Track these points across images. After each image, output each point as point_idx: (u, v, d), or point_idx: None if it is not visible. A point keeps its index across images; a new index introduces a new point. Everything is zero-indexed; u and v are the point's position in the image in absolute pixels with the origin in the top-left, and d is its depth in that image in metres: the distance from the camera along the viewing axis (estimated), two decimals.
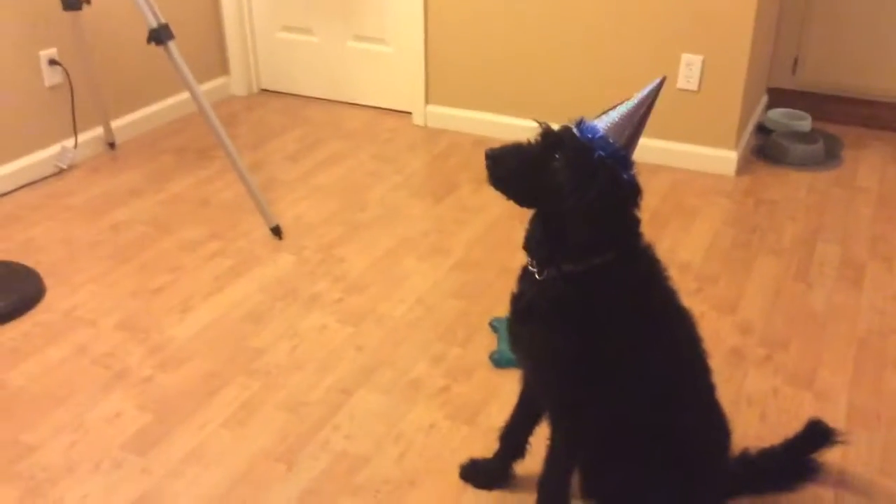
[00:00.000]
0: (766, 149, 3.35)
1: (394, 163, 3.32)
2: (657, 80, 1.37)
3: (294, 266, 2.61)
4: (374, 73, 3.77)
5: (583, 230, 1.39)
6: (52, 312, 2.36)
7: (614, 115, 1.37)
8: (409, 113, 3.72)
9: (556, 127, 1.42)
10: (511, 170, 1.41)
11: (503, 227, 2.80)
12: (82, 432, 1.93)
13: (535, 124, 1.44)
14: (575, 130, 1.40)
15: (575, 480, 1.62)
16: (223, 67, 3.94)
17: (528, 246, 1.51)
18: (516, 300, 1.56)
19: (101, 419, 1.97)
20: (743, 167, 3.23)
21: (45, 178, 3.12)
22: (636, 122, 1.36)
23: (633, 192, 1.39)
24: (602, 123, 1.38)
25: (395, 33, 3.62)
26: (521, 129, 3.18)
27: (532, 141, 1.42)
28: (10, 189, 3.02)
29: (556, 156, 1.38)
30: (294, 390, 2.07)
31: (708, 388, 1.61)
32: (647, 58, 3.14)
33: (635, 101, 1.36)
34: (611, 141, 1.36)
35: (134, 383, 2.09)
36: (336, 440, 1.91)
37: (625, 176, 1.38)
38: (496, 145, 1.41)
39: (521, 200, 1.44)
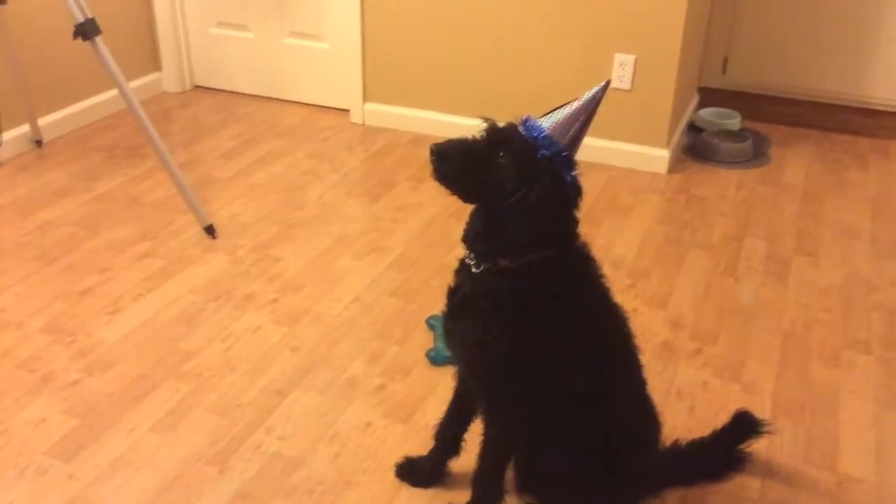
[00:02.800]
0: (696, 147, 3.42)
1: (331, 161, 3.30)
2: (602, 84, 1.39)
3: (228, 266, 2.57)
4: (311, 69, 3.73)
5: (523, 228, 1.40)
6: None
7: (559, 116, 1.38)
8: (347, 110, 3.69)
9: (501, 124, 1.43)
10: (455, 165, 1.41)
11: (440, 225, 2.80)
12: (6, 438, 1.87)
13: (480, 121, 1.44)
14: (520, 128, 1.41)
15: (509, 476, 1.63)
16: (155, 63, 3.86)
17: (467, 239, 1.51)
18: (452, 294, 1.56)
19: (25, 424, 1.91)
20: (674, 165, 3.29)
21: None
22: (580, 123, 1.38)
23: (574, 193, 1.41)
24: (547, 123, 1.39)
25: (332, 30, 3.59)
26: (458, 126, 3.21)
27: (477, 137, 1.42)
28: None
29: (501, 153, 1.39)
30: (227, 393, 2.04)
31: (638, 383, 1.64)
32: (581, 57, 3.18)
33: (580, 103, 1.38)
34: (555, 140, 1.37)
35: (60, 387, 2.03)
36: (270, 442, 1.89)
37: (567, 176, 1.40)
38: (435, 141, 1.41)
39: (464, 196, 1.45)
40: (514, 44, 3.26)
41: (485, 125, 1.43)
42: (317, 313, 2.36)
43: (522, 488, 1.65)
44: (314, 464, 1.83)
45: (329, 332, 2.28)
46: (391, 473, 1.80)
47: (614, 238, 2.77)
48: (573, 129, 1.40)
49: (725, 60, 3.69)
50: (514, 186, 1.38)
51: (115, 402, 1.99)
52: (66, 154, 3.25)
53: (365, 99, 3.61)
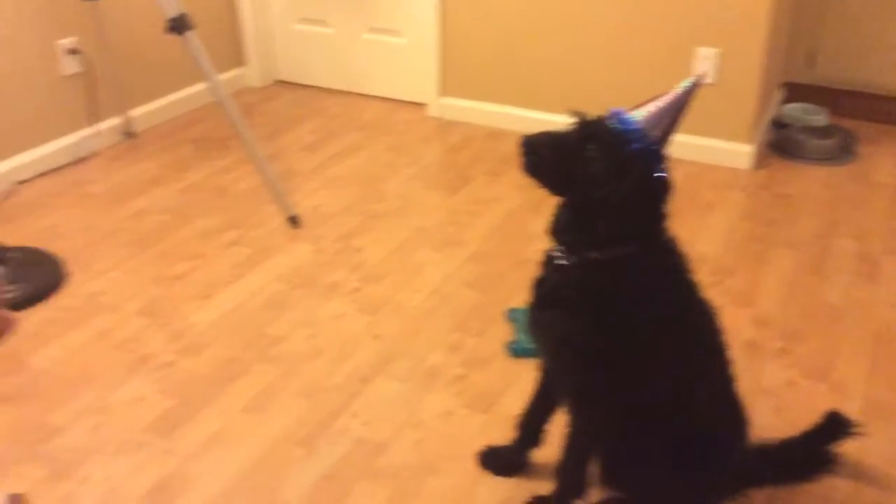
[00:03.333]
0: (781, 143, 3.35)
1: (409, 154, 3.34)
2: (694, 78, 1.38)
3: (312, 255, 2.63)
4: (389, 64, 3.78)
5: (612, 221, 1.41)
6: (75, 298, 2.40)
7: (650, 109, 1.38)
8: (424, 105, 3.73)
9: (590, 117, 1.43)
10: (545, 158, 1.42)
11: (517, 220, 2.81)
12: (106, 415, 1.96)
13: (568, 115, 1.44)
14: (610, 122, 1.41)
15: (594, 468, 1.64)
16: (239, 58, 3.96)
17: (555, 231, 1.52)
18: (538, 286, 1.58)
19: (124, 402, 2.00)
20: (759, 161, 3.23)
21: (66, 165, 3.16)
22: (671, 117, 1.38)
23: (664, 188, 1.41)
24: (638, 116, 1.39)
25: (410, 25, 3.63)
26: (535, 121, 3.21)
27: (567, 130, 1.43)
28: (30, 176, 3.05)
29: (592, 146, 1.39)
30: (312, 377, 2.10)
31: (726, 379, 1.62)
32: (663, 51, 3.15)
33: (672, 97, 1.37)
34: (646, 134, 1.37)
35: (156, 368, 2.12)
36: (354, 426, 1.93)
37: (658, 170, 1.40)
38: (512, 136, 1.42)
39: (554, 188, 1.45)
40: (594, 38, 3.25)
41: (574, 118, 1.44)
42: (397, 303, 2.40)
43: (606, 481, 1.66)
44: (397, 449, 1.87)
45: (409, 322, 2.31)
46: (473, 462, 1.82)
47: (697, 234, 2.73)
48: (664, 123, 1.39)
49: (812, 55, 3.60)
50: (604, 180, 1.38)
51: (208, 383, 2.07)
52: (156, 145, 3.37)
53: (442, 93, 3.65)
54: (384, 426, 1.93)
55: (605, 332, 1.47)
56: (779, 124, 3.48)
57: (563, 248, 1.50)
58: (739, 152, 3.18)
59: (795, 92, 3.65)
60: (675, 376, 1.52)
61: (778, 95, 3.63)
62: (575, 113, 1.44)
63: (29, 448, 1.86)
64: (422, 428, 1.93)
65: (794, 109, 3.52)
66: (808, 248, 2.66)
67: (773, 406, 1.99)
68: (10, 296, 2.34)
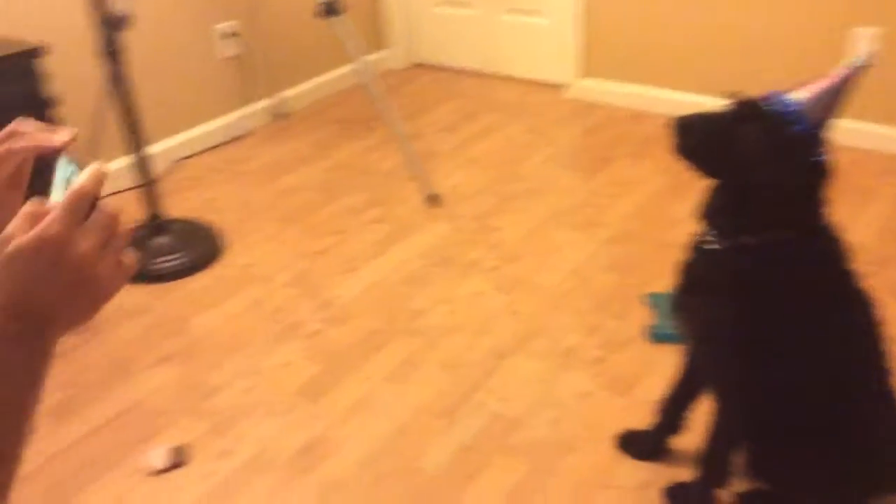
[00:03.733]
0: None
1: (547, 135, 3.34)
2: (860, 58, 1.32)
3: (450, 233, 2.69)
4: (529, 45, 3.78)
5: (769, 206, 1.37)
6: (231, 267, 2.56)
7: (810, 91, 1.33)
8: (563, 86, 3.71)
9: (746, 98, 1.39)
10: (700, 139, 1.39)
11: (660, 202, 2.76)
12: (260, 377, 2.09)
13: (723, 97, 1.41)
14: (769, 103, 1.36)
15: (739, 458, 1.60)
16: (382, 41, 4.07)
17: (707, 215, 1.49)
18: (686, 270, 1.55)
19: (275, 367, 2.13)
20: None
21: (223, 144, 3.36)
22: (833, 100, 1.32)
23: (823, 173, 1.36)
24: (797, 98, 1.34)
25: (552, 5, 3.61)
26: (678, 103, 3.13)
27: (723, 110, 1.40)
28: (192, 153, 3.26)
29: (749, 127, 1.36)
30: (452, 351, 2.15)
31: (882, 372, 1.55)
32: (815, 30, 2.99)
33: (834, 78, 1.32)
34: (806, 117, 1.33)
35: (304, 336, 2.24)
36: (491, 401, 1.98)
37: (818, 154, 1.35)
38: (657, 117, 1.41)
39: (708, 171, 1.42)
40: (743, 17, 3.13)
41: (731, 99, 1.40)
42: (535, 283, 2.42)
43: (752, 472, 1.62)
44: (534, 426, 1.89)
45: (547, 302, 2.33)
46: (610, 444, 1.83)
47: (853, 222, 2.60)
48: (825, 106, 1.34)
49: None
50: (761, 163, 1.34)
51: (353, 351, 2.16)
52: (305, 125, 3.53)
53: (582, 74, 3.61)
54: (521, 403, 1.97)
55: (756, 320, 1.44)
56: None
57: (714, 232, 1.47)
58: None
59: None
60: (828, 368, 1.47)
61: None
62: (731, 94, 1.41)
63: (192, 404, 2.01)
64: (559, 407, 1.95)
65: None
66: None
67: None
68: (174, 263, 2.52)
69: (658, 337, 2.13)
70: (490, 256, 2.56)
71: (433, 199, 2.85)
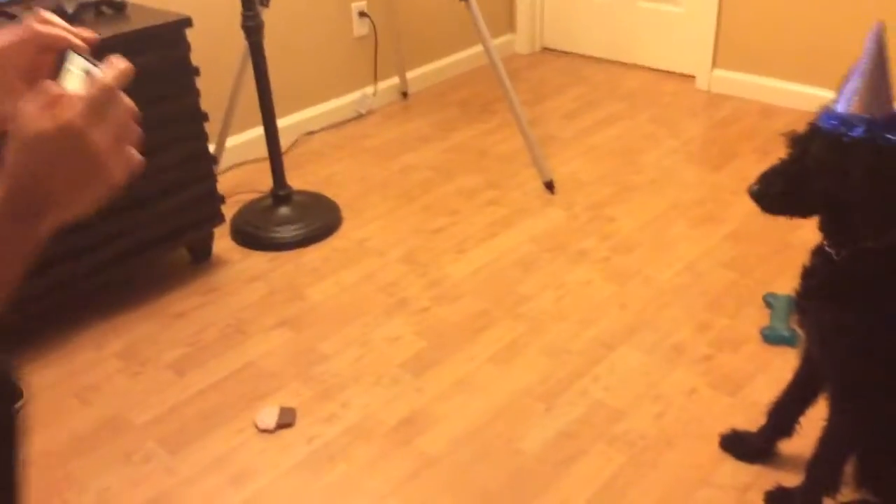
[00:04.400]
0: None
1: (672, 127, 3.25)
2: (875, 28, 1.26)
3: (564, 220, 2.67)
4: (661, 33, 3.69)
5: (868, 214, 1.32)
6: (347, 240, 2.63)
7: (849, 86, 1.28)
8: (692, 76, 3.60)
9: (801, 131, 1.37)
10: (779, 198, 1.41)
11: None
12: (368, 348, 2.15)
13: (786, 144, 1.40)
14: (819, 121, 1.33)
15: (849, 467, 1.54)
16: (509, 25, 4.06)
17: (823, 228, 1.45)
18: (808, 275, 1.50)
19: (383, 339, 2.18)
20: None
21: (347, 120, 3.45)
22: (878, 79, 1.26)
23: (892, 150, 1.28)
24: (842, 101, 1.30)
25: None
26: (814, 97, 2.97)
27: (787, 157, 1.39)
28: (317, 128, 3.37)
29: (811, 162, 1.33)
30: (557, 337, 2.15)
31: None
32: None
33: (866, 61, 1.26)
34: (856, 115, 1.27)
35: (413, 312, 2.28)
36: (595, 390, 1.96)
37: (880, 138, 1.28)
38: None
39: (803, 214, 1.42)
40: (881, 13, 2.94)
41: (788, 140, 1.38)
42: (647, 276, 2.37)
43: (863, 482, 1.55)
44: (636, 418, 1.87)
45: (658, 296, 2.28)
46: (715, 442, 1.78)
47: None
48: (874, 89, 1.27)
49: None
50: (835, 181, 1.30)
51: (459, 330, 2.19)
52: (426, 106, 3.58)
53: (714, 65, 3.49)
54: (624, 394, 1.94)
55: (880, 324, 1.37)
56: None
57: (832, 244, 1.42)
58: None
59: None
60: None
61: None
62: (786, 135, 1.39)
63: (302, 369, 2.09)
64: (663, 401, 1.91)
65: None
66: None
67: None
68: (294, 233, 2.62)
69: (772, 339, 2.06)
70: (603, 246, 2.53)
71: (549, 186, 2.84)
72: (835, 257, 1.41)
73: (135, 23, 2.19)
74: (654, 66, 3.77)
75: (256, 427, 1.91)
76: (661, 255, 2.46)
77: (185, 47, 2.28)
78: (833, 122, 1.31)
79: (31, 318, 2.17)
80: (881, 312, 1.37)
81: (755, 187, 1.43)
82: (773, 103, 3.32)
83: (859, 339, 1.39)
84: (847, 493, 1.59)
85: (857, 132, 1.28)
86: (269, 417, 1.92)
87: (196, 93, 2.33)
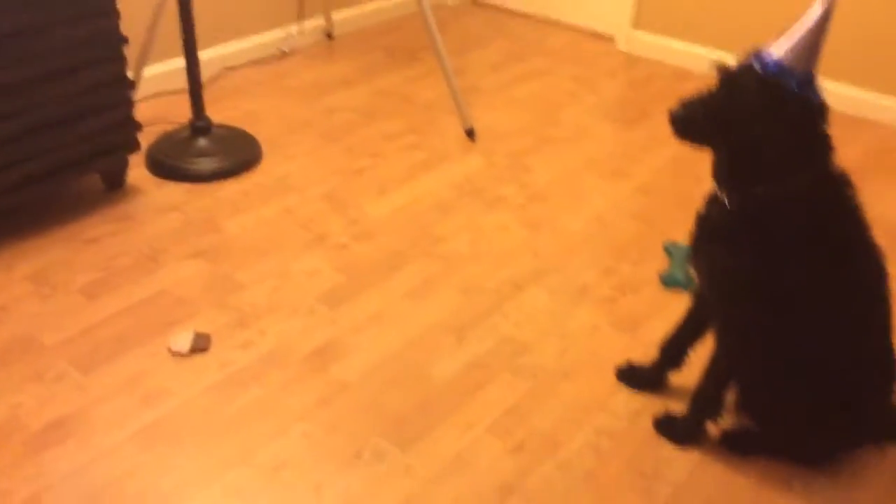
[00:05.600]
0: None
1: (591, 85, 3.35)
2: (826, 2, 1.35)
3: (483, 168, 2.74)
4: None
5: (774, 157, 1.42)
6: (267, 176, 2.64)
7: (794, 39, 1.37)
8: (613, 37, 3.70)
9: (732, 66, 1.44)
10: (700, 125, 1.46)
11: (689, 159, 2.78)
12: (284, 280, 2.18)
13: (711, 69, 1.46)
14: (754, 64, 1.40)
15: (730, 396, 1.67)
16: None
17: (717, 176, 1.54)
18: (702, 220, 1.61)
19: (301, 272, 2.22)
20: None
21: (269, 58, 3.41)
22: (816, 40, 1.36)
23: (819, 110, 1.39)
24: (780, 50, 1.38)
25: None
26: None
27: (713, 89, 1.45)
28: (238, 64, 3.32)
29: (741, 97, 1.40)
30: (470, 277, 2.22)
31: (883, 329, 1.59)
32: (870, 2, 2.95)
33: (813, 21, 1.35)
34: (791, 66, 1.37)
35: (331, 247, 2.32)
36: (505, 326, 2.05)
37: (810, 97, 1.39)
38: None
39: (715, 145, 1.49)
40: None
41: (716, 71, 1.44)
42: (559, 224, 2.47)
43: (742, 408, 1.68)
44: (541, 352, 1.97)
45: (568, 243, 2.38)
46: (611, 375, 1.90)
47: (880, 198, 2.61)
48: (807, 51, 1.38)
49: None
50: (760, 124, 1.39)
51: (376, 267, 2.24)
52: (352, 49, 3.57)
53: (633, 26, 3.60)
54: (531, 330, 2.04)
55: (761, 267, 1.49)
56: None
57: (726, 191, 1.52)
58: None
59: None
60: (829, 316, 1.52)
61: None
62: (716, 65, 1.45)
63: (217, 297, 2.11)
64: (567, 337, 2.02)
65: None
66: None
67: None
68: (212, 166, 2.60)
69: (669, 283, 2.19)
70: (519, 194, 2.61)
71: (470, 133, 2.90)
72: (727, 205, 1.51)
73: None
74: (578, 25, 3.85)
75: (170, 351, 1.93)
76: (574, 205, 2.56)
77: None
78: (771, 68, 1.38)
79: None
80: (767, 257, 1.48)
81: (678, 111, 1.47)
82: (688, 67, 3.45)
83: (745, 280, 1.51)
84: (728, 418, 1.74)
85: (792, 84, 1.37)
86: (182, 342, 1.94)
87: (115, 14, 2.28)
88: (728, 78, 1.44)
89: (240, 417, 1.77)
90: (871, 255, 1.53)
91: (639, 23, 3.59)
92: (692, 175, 2.69)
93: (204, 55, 3.08)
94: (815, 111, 1.41)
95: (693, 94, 1.47)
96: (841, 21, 3.03)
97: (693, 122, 1.47)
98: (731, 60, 1.46)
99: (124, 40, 2.32)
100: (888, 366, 1.62)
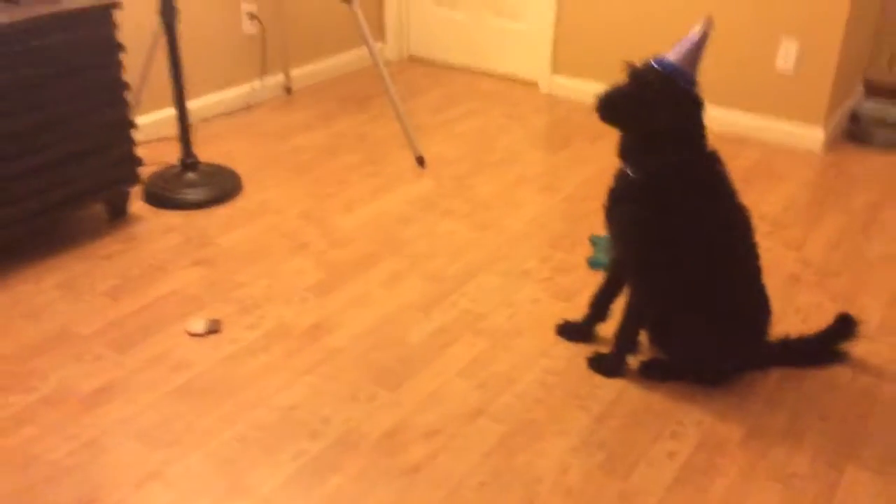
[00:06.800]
0: (854, 133, 3.72)
1: (520, 120, 3.89)
2: (707, 20, 1.89)
3: (433, 188, 3.22)
4: (509, 46, 4.35)
5: (668, 140, 1.93)
6: (250, 202, 3.06)
7: (680, 52, 1.90)
8: (536, 83, 4.28)
9: (639, 66, 1.95)
10: (619, 109, 1.96)
11: (607, 174, 3.29)
12: (276, 279, 2.60)
13: (623, 67, 1.98)
14: (655, 66, 1.93)
15: (643, 337, 2.15)
16: (379, 35, 4.61)
17: (623, 154, 2.05)
18: (612, 192, 2.11)
19: (289, 272, 2.63)
20: (830, 145, 3.62)
21: (238, 110, 3.86)
22: (697, 55, 1.90)
23: (701, 104, 1.92)
24: (675, 57, 1.91)
25: (530, 11, 4.18)
26: None
27: (626, 82, 1.95)
28: (210, 115, 3.76)
29: (649, 91, 1.92)
30: (432, 269, 2.67)
31: (754, 269, 2.10)
32: (749, 40, 3.58)
33: (694, 38, 1.89)
34: (685, 70, 1.89)
35: (312, 253, 2.75)
36: (463, 302, 2.50)
37: (697, 98, 1.91)
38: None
39: (625, 128, 1.98)
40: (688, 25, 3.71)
41: (628, 69, 1.96)
42: (502, 226, 2.95)
43: (654, 342, 2.16)
44: (495, 318, 2.42)
45: (510, 239, 2.86)
46: (552, 332, 2.36)
47: (764, 198, 3.17)
48: (693, 60, 1.92)
49: (892, 57, 3.94)
50: (661, 110, 1.91)
51: (353, 266, 2.68)
52: (309, 100, 4.05)
53: (553, 71, 4.18)
54: (486, 304, 2.49)
55: (660, 220, 1.99)
56: (855, 118, 3.85)
57: (629, 162, 2.03)
58: (812, 136, 3.58)
59: (875, 90, 4.00)
60: (712, 259, 2.02)
61: (857, 92, 3.99)
62: (627, 64, 1.96)
63: (221, 294, 2.51)
64: (515, 307, 2.48)
65: (871, 105, 3.87)
66: (860, 215, 3.07)
67: (801, 319, 2.44)
68: (201, 196, 3.02)
69: (594, 265, 2.68)
70: (466, 206, 3.09)
71: (420, 161, 3.38)
72: (631, 174, 2.01)
73: (67, 4, 2.55)
74: (505, 73, 4.42)
75: (188, 333, 2.32)
76: (512, 211, 3.06)
77: (111, 27, 2.66)
78: (669, 68, 1.89)
79: None
80: (662, 210, 1.98)
81: (602, 97, 1.95)
82: None
83: (647, 229, 2.00)
84: (645, 353, 2.21)
85: (684, 82, 1.89)
86: (198, 325, 2.33)
87: (119, 66, 2.71)
88: (636, 74, 1.94)
89: (255, 376, 2.17)
90: (739, 211, 2.04)
91: (557, 69, 4.17)
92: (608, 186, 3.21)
93: None
94: (699, 104, 1.94)
95: (610, 85, 1.97)
96: (732, 55, 3.65)
97: (613, 107, 1.95)
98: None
99: (126, 87, 2.75)
100: (763, 304, 2.13)
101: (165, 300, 2.47)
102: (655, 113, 1.92)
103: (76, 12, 2.54)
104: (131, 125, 2.81)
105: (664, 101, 1.91)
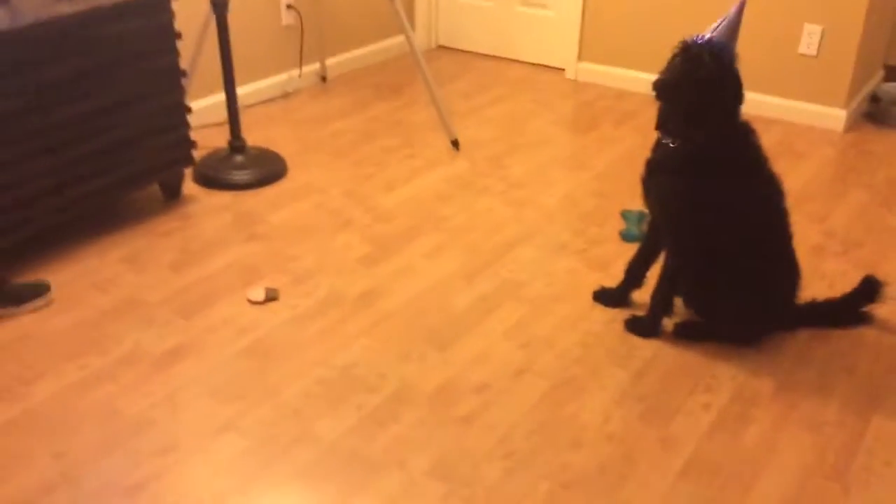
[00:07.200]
0: (874, 114, 3.83)
1: (548, 105, 4.03)
2: (741, 2, 2.01)
3: (469, 168, 3.36)
4: (536, 33, 4.48)
5: (715, 109, 2.05)
6: (295, 183, 3.22)
7: (724, 27, 2.02)
8: (563, 69, 4.41)
9: (689, 44, 2.07)
10: (677, 86, 2.06)
11: (635, 154, 3.45)
12: (326, 252, 2.75)
13: (677, 45, 2.10)
14: (706, 46, 2.05)
15: (678, 299, 2.28)
16: (409, 23, 4.74)
17: (662, 126, 2.17)
18: (650, 162, 2.24)
19: (338, 246, 2.79)
20: (851, 125, 3.73)
21: (276, 98, 4.02)
22: (737, 30, 2.03)
23: (740, 80, 2.05)
24: (719, 35, 2.04)
25: (557, 0, 4.32)
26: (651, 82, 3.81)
27: (680, 60, 2.07)
28: (251, 103, 3.92)
29: (705, 68, 2.03)
30: (471, 242, 2.82)
31: (785, 236, 2.23)
32: (773, 25, 3.70)
33: (732, 17, 2.01)
34: (729, 46, 2.02)
35: (358, 228, 2.90)
36: (503, 272, 2.64)
37: (737, 69, 2.04)
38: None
39: (679, 103, 2.07)
40: (714, 11, 3.83)
41: (682, 48, 2.08)
42: (536, 202, 3.09)
43: (688, 304, 2.30)
44: (534, 286, 2.56)
45: (545, 214, 3.00)
46: (589, 298, 2.50)
47: (786, 174, 3.28)
48: (733, 38, 2.04)
49: None
50: (713, 89, 2.03)
51: (397, 239, 2.83)
52: (344, 88, 4.20)
53: (579, 58, 4.31)
54: (525, 273, 2.64)
55: (703, 187, 2.12)
56: (875, 99, 3.96)
57: (668, 134, 2.16)
58: (834, 117, 3.70)
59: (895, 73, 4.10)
60: (746, 227, 2.15)
61: (878, 75, 4.09)
62: (682, 43, 2.08)
63: (277, 266, 2.66)
64: (553, 276, 2.62)
65: (891, 87, 3.98)
66: (881, 190, 3.18)
67: (827, 285, 2.57)
68: (249, 176, 3.17)
69: (626, 237, 2.82)
70: (500, 184, 3.23)
71: (455, 144, 3.53)
72: (672, 145, 2.14)
73: None
74: (532, 61, 4.55)
75: (249, 301, 2.47)
76: (545, 189, 3.19)
77: (170, 15, 2.81)
78: (719, 46, 2.00)
79: (29, 239, 2.63)
80: (701, 179, 2.11)
81: (661, 77, 2.06)
82: (626, 88, 4.16)
83: (688, 197, 2.13)
84: (679, 315, 2.34)
85: (728, 59, 2.01)
86: (258, 294, 2.49)
87: (176, 53, 2.87)
88: (690, 53, 2.05)
89: (314, 339, 2.32)
90: (773, 180, 2.17)
91: (583, 56, 4.30)
92: (636, 166, 3.34)
93: (222, 97, 3.66)
94: (740, 80, 2.07)
95: (665, 66, 2.08)
96: (758, 40, 3.77)
97: (672, 86, 2.06)
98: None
99: (184, 73, 2.91)
100: (793, 268, 2.26)
101: (224, 272, 2.63)
102: (708, 89, 2.04)
103: (136, 2, 2.70)
104: (187, 109, 2.97)
105: (716, 77, 2.03)
